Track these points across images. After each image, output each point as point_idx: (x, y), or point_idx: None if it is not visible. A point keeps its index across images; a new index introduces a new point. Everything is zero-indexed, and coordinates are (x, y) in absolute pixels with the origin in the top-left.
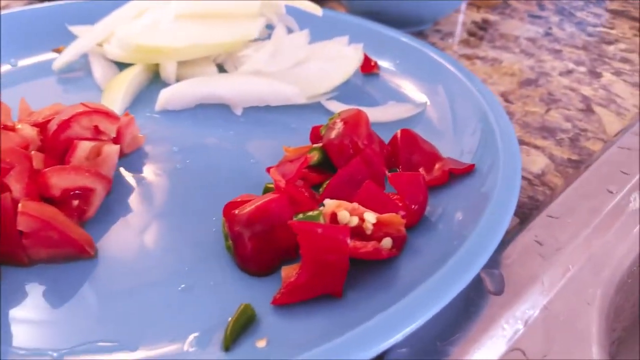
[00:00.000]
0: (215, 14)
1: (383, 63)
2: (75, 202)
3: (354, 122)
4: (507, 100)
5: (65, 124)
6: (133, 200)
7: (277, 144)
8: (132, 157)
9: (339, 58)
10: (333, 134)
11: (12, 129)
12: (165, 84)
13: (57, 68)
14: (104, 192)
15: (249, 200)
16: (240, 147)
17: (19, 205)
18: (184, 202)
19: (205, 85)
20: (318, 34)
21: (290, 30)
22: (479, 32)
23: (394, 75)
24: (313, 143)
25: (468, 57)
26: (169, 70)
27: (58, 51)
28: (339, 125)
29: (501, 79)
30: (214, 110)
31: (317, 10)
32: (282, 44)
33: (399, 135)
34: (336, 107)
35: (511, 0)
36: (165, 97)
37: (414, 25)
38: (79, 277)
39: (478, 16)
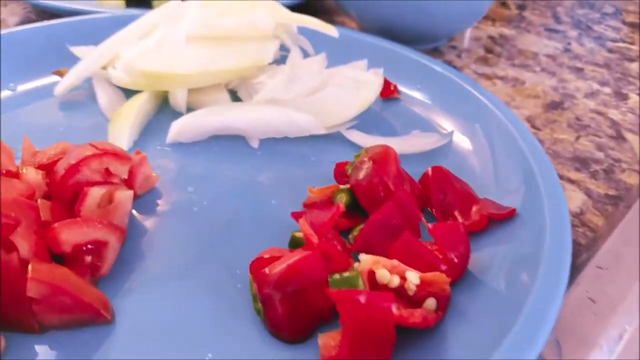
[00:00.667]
0: (227, 36)
1: (403, 87)
2: (88, 258)
3: (383, 160)
4: (534, 127)
5: (74, 169)
6: (149, 250)
7: (297, 180)
8: (145, 199)
9: (358, 84)
10: (361, 175)
11: (16, 174)
12: (175, 112)
13: (58, 94)
14: (118, 243)
15: (278, 257)
16: (259, 185)
17: (29, 269)
18: (204, 252)
19: (219, 117)
20: (331, 54)
21: (305, 53)
22: (496, 47)
23: (415, 100)
24: (337, 181)
25: (487, 77)
26: (178, 97)
27: (59, 73)
28: (367, 165)
29: (525, 101)
30: (228, 141)
31: (332, 31)
32: (298, 69)
33: (430, 173)
34: (357, 137)
35: (525, 12)
36: (177, 129)
37: (428, 41)
38: (95, 345)
39: (494, 30)
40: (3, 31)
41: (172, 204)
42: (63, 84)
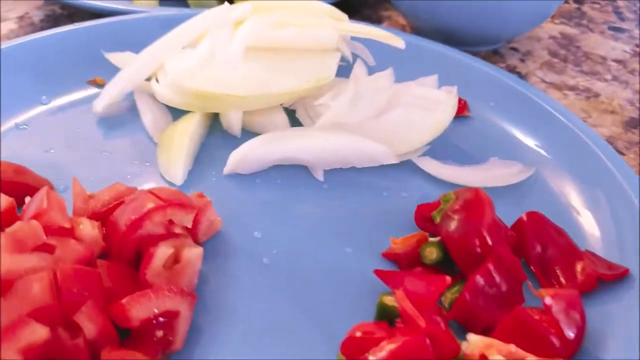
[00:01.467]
0: (286, 50)
1: (474, 103)
2: (159, 333)
3: (477, 208)
4: (616, 150)
5: (136, 224)
6: (222, 315)
7: (371, 221)
8: (209, 247)
9: (429, 104)
10: (453, 226)
11: (71, 232)
12: (228, 133)
13: (98, 112)
14: (190, 312)
15: (372, 336)
16: (329, 226)
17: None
18: (281, 316)
19: (281, 147)
20: (386, 62)
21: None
22: (560, 50)
23: (488, 120)
24: (419, 225)
25: (557, 87)
26: (233, 120)
27: (94, 83)
28: (460, 215)
29: (601, 117)
30: (290, 171)
31: (399, 43)
32: (363, 87)
33: (525, 219)
34: (430, 166)
35: (584, 6)
36: (235, 160)
37: (487, 44)
38: None
39: (554, 28)
40: (29, 37)
41: (240, 254)
42: (102, 100)
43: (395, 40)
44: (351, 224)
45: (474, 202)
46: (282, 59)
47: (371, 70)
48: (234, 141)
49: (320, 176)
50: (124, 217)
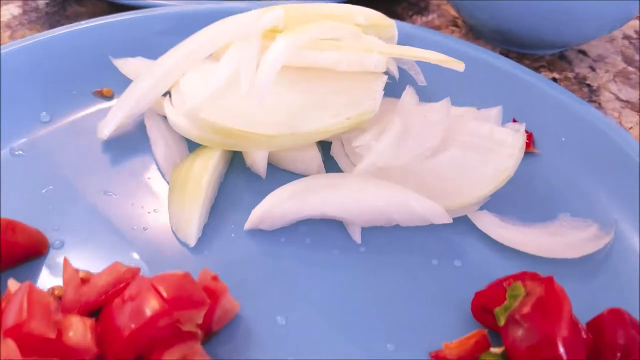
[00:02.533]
0: (324, 73)
1: (541, 136)
2: None
3: (553, 314)
4: None
5: (137, 334)
6: None
7: (416, 303)
8: (222, 339)
9: (491, 146)
10: (520, 334)
11: (57, 342)
12: (252, 172)
13: (102, 137)
14: None
15: None
16: (367, 312)
17: None
18: None
19: (311, 201)
20: (432, 76)
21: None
22: (636, 56)
23: (559, 160)
24: (477, 317)
25: (634, 107)
26: (258, 160)
27: (101, 94)
28: (529, 323)
29: None
30: (321, 228)
31: (459, 66)
32: (412, 122)
33: (605, 317)
34: (488, 224)
35: None
36: (257, 217)
37: (552, 47)
38: None
39: (630, 25)
40: (26, 41)
41: (259, 350)
42: (107, 126)
43: (455, 64)
44: (394, 308)
45: (549, 303)
46: (318, 88)
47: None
48: (258, 182)
49: (357, 236)
50: (121, 318)
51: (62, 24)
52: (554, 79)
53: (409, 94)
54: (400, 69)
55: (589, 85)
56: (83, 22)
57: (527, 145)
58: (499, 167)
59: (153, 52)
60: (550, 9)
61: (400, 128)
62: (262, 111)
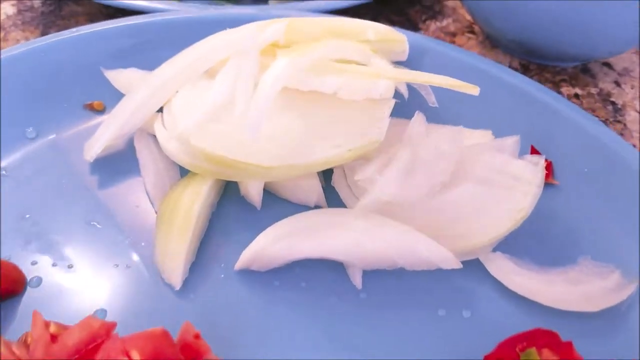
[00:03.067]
0: (325, 102)
1: (561, 165)
2: None
3: None
4: None
5: None
6: None
7: (422, 357)
8: None
9: (507, 181)
10: None
11: None
12: (244, 200)
13: (89, 160)
14: None
15: None
16: None
17: None
18: None
19: (308, 242)
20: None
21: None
22: None
23: (581, 193)
24: None
25: None
26: (251, 190)
27: (92, 108)
28: None
29: None
30: (319, 270)
31: (473, 90)
32: (421, 153)
33: None
34: (501, 270)
35: None
36: (249, 258)
37: (576, 60)
38: None
39: None
40: (11, 51)
41: None
42: (94, 146)
43: (469, 89)
44: None
45: None
46: (318, 114)
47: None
48: (253, 212)
49: (358, 281)
50: None
51: (57, 25)
52: (576, 95)
53: (418, 122)
54: (409, 87)
55: (613, 103)
56: (73, 29)
57: (546, 175)
58: (515, 205)
59: (149, 62)
60: (575, 21)
61: (408, 160)
62: (261, 143)
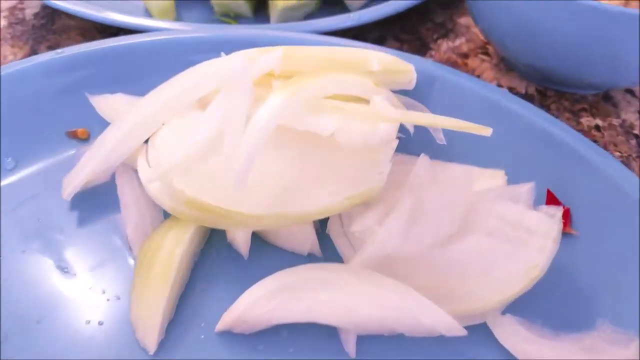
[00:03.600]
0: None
1: (580, 213)
2: None
3: None
4: None
5: None
6: None
7: None
8: None
9: (520, 235)
10: None
11: None
12: (231, 247)
13: (67, 197)
14: None
15: None
16: None
17: None
18: None
19: (297, 304)
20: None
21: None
22: None
23: (601, 246)
24: None
25: None
26: (238, 238)
27: (75, 135)
28: None
29: None
30: (308, 334)
31: (484, 131)
32: (426, 201)
33: None
34: (511, 337)
35: None
36: (231, 320)
37: (595, 88)
38: None
39: None
40: None
41: None
42: (73, 182)
43: (481, 130)
44: None
45: None
46: (313, 157)
47: (438, 150)
48: (240, 261)
49: (351, 348)
50: None
51: (48, 40)
52: (597, 127)
53: (422, 165)
54: None
55: (637, 137)
56: (58, 50)
57: (563, 224)
58: (528, 263)
59: (139, 86)
60: (597, 47)
61: (411, 209)
62: (249, 189)
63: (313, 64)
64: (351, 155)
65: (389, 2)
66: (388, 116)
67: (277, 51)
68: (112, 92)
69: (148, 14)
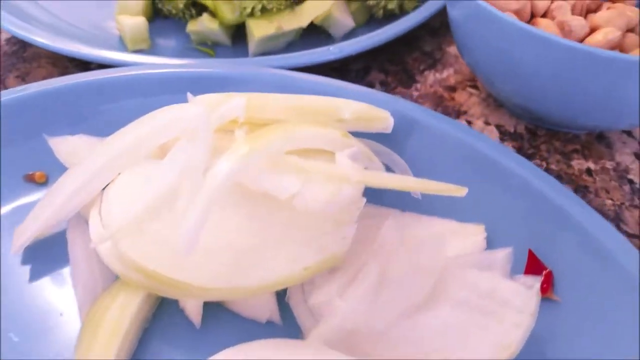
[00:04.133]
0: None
1: (564, 278)
2: None
3: None
4: None
5: None
6: None
7: None
8: None
9: (494, 307)
10: None
11: None
12: (184, 314)
13: (16, 252)
14: None
15: None
16: None
17: None
18: None
19: None
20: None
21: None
22: None
23: (585, 314)
24: None
25: None
26: (190, 308)
27: (32, 179)
28: None
29: None
30: None
31: (460, 192)
32: (394, 268)
33: None
34: None
35: None
36: None
37: (590, 129)
38: None
39: None
40: None
41: None
42: (22, 236)
43: (455, 191)
44: None
45: None
46: (270, 221)
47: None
48: (192, 331)
49: None
50: None
51: (17, 69)
52: (588, 171)
53: (390, 231)
54: (388, 169)
55: (631, 182)
56: (18, 87)
57: (545, 289)
58: (501, 341)
59: (103, 125)
60: (590, 89)
61: (377, 277)
62: (201, 259)
63: (279, 113)
64: (313, 217)
65: (374, 33)
66: (351, 178)
67: (241, 99)
68: (74, 132)
69: (123, 43)
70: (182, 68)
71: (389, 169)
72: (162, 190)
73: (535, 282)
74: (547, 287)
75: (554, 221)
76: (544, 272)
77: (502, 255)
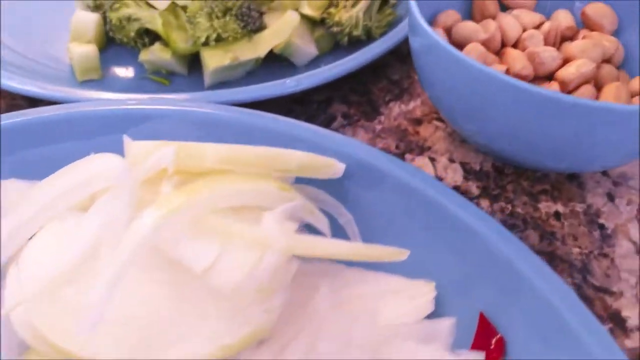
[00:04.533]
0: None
1: (516, 344)
2: None
3: None
4: None
5: None
6: None
7: None
8: None
9: None
10: None
11: None
12: None
13: None
14: None
15: None
16: None
17: None
18: None
19: None
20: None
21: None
22: None
23: None
24: None
25: None
26: None
27: None
28: None
29: None
30: None
31: (401, 256)
32: (326, 338)
33: None
34: None
35: None
36: None
37: (565, 170)
38: None
39: None
40: None
41: None
42: None
43: (395, 256)
44: None
45: None
46: (189, 289)
47: None
48: None
49: None
50: None
51: None
52: (556, 214)
53: (325, 295)
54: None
55: (601, 227)
56: None
57: (495, 358)
58: None
59: (39, 167)
60: (556, 136)
61: (306, 352)
62: (114, 328)
63: (215, 163)
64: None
65: (337, 63)
66: (275, 245)
67: (169, 149)
68: (6, 176)
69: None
70: (120, 105)
71: (333, 219)
72: (81, 249)
73: (479, 356)
74: (498, 355)
75: (511, 285)
76: (494, 339)
77: (445, 325)
